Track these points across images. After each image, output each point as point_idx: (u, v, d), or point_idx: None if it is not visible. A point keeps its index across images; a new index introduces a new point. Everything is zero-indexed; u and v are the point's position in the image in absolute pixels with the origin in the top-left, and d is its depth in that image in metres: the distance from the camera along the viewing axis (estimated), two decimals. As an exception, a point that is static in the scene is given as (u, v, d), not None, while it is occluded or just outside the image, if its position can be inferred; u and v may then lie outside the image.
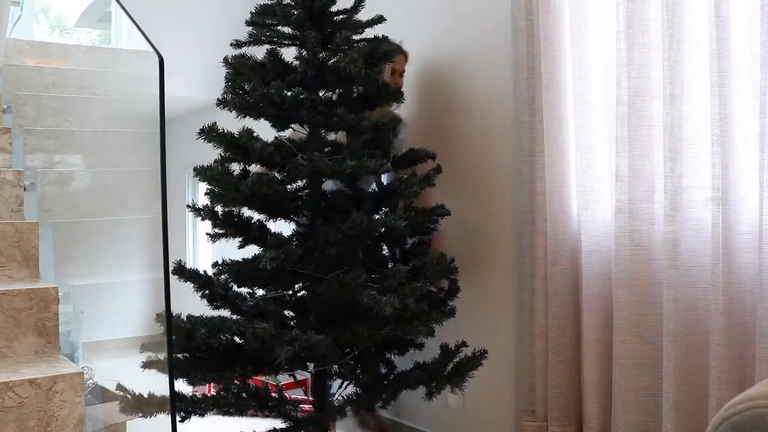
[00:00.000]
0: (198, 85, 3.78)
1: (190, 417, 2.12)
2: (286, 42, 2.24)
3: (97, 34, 8.38)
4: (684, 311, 1.83)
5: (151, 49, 2.07)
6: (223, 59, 2.18)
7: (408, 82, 2.62)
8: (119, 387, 2.25)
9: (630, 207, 1.95)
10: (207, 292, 2.20)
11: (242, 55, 2.19)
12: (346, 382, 2.26)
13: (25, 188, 2.41)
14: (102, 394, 3.00)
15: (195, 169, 2.13)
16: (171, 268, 2.14)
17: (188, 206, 2.21)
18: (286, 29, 2.24)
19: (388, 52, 2.23)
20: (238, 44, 2.19)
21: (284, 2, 2.22)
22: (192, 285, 2.20)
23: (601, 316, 2.06)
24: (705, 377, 1.78)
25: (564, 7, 2.14)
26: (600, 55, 2.10)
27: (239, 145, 2.10)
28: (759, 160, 1.67)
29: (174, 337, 2.07)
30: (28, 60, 4.27)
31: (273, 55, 2.18)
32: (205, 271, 2.22)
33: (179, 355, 2.11)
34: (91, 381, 2.93)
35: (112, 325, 3.72)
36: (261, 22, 2.23)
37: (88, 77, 4.21)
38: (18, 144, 2.90)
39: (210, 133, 2.10)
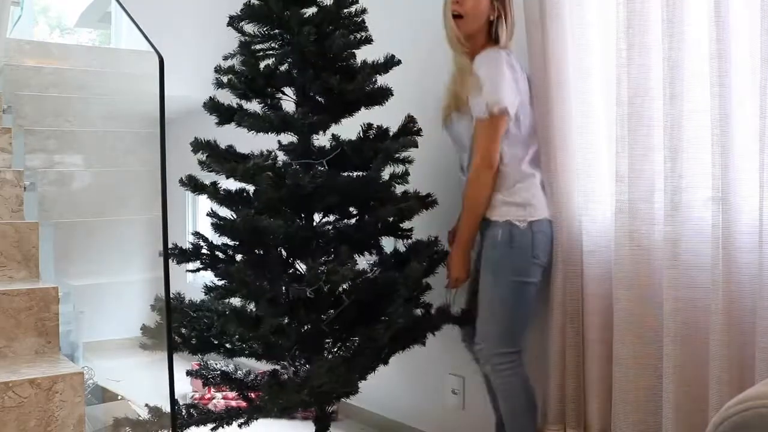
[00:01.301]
0: (198, 85, 3.78)
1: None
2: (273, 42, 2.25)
3: (97, 34, 8.39)
4: (684, 311, 1.83)
5: (151, 49, 2.07)
6: (214, 69, 2.21)
7: (407, 82, 2.46)
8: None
9: (630, 207, 1.95)
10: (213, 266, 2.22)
11: (230, 67, 2.22)
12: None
13: (25, 188, 2.42)
14: (102, 394, 3.01)
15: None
16: (170, 258, 2.14)
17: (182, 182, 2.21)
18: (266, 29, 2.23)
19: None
20: (227, 57, 2.22)
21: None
22: (199, 264, 2.21)
23: (601, 316, 2.06)
24: (705, 377, 1.78)
25: (565, 7, 2.14)
26: (600, 55, 2.10)
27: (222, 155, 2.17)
28: (759, 161, 1.67)
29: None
30: (28, 60, 4.28)
31: (248, 65, 2.19)
32: (210, 242, 2.22)
33: (183, 330, 2.16)
34: (91, 381, 2.93)
35: (112, 325, 3.72)
36: (240, 28, 2.24)
37: (88, 77, 4.22)
38: (18, 144, 2.90)
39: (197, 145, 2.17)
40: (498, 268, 2.09)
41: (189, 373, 2.39)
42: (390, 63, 2.20)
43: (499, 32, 2.16)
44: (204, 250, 2.19)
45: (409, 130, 2.24)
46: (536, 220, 2.09)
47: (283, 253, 2.17)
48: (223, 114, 2.21)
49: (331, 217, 2.25)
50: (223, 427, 2.18)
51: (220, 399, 3.18)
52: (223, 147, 2.20)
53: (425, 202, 2.24)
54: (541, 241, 2.09)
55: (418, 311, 2.23)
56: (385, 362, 2.26)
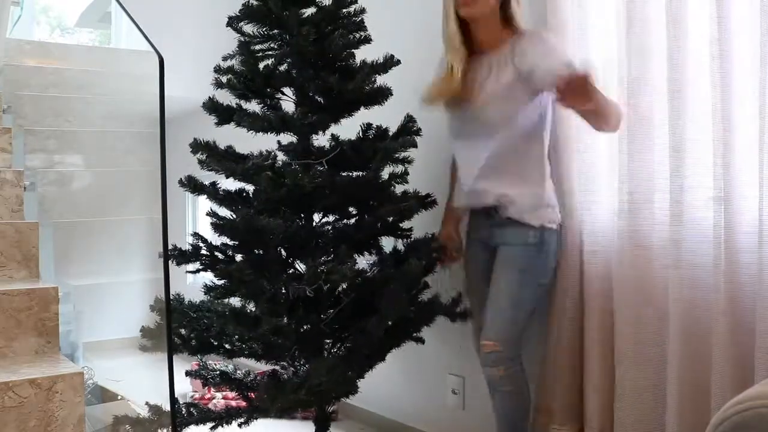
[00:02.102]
0: (198, 85, 3.79)
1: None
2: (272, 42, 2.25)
3: (97, 34, 8.40)
4: (685, 311, 1.83)
5: (151, 49, 2.07)
6: (213, 69, 2.22)
7: (406, 82, 2.39)
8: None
9: (631, 207, 1.95)
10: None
11: (229, 68, 2.22)
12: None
13: (25, 188, 2.42)
14: (102, 394, 3.01)
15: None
16: (170, 259, 2.14)
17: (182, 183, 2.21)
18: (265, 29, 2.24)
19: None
20: (226, 57, 2.22)
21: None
22: (199, 265, 2.20)
23: (602, 316, 2.06)
24: (706, 377, 1.77)
25: (566, 7, 2.14)
26: (601, 54, 2.10)
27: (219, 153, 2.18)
28: (759, 160, 1.67)
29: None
30: (28, 60, 4.29)
31: (246, 64, 2.18)
32: (210, 243, 2.22)
33: (183, 331, 2.17)
34: (91, 381, 2.93)
35: (112, 325, 3.73)
36: (239, 28, 2.24)
37: (88, 77, 4.23)
38: (18, 144, 2.90)
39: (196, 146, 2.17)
40: (527, 269, 2.06)
41: (188, 373, 2.39)
42: (389, 63, 2.20)
43: (514, 15, 2.07)
44: (203, 251, 2.19)
45: (409, 129, 2.24)
46: (560, 222, 2.09)
47: (283, 253, 2.18)
48: (222, 114, 2.22)
49: (331, 217, 2.25)
50: (222, 426, 2.18)
51: (220, 399, 3.18)
52: (223, 148, 2.20)
53: (425, 202, 2.25)
54: (559, 243, 2.10)
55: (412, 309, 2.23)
56: (382, 358, 2.26)
